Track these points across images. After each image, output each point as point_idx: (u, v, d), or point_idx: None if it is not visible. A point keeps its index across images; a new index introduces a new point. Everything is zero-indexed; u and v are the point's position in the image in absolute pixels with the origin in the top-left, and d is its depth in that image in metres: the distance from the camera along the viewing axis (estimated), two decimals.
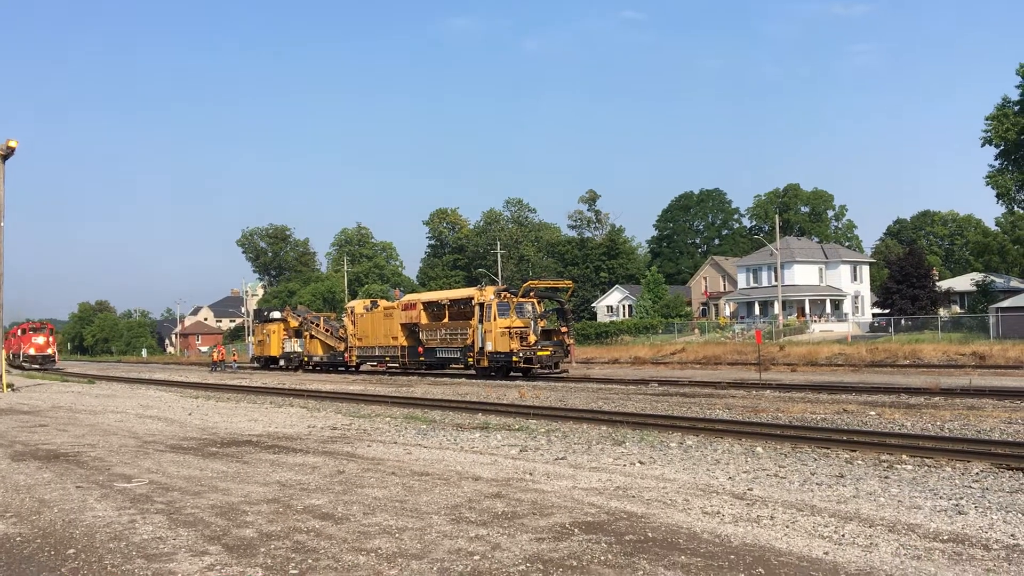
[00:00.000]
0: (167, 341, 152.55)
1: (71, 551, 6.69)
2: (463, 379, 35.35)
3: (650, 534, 6.95)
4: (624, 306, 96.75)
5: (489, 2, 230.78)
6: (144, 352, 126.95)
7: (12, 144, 31.42)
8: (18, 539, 7.15)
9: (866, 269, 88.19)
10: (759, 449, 12.10)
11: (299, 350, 51.06)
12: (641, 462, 10.93)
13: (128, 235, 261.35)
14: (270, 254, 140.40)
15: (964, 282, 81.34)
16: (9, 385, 32.25)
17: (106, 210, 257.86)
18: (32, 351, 64.19)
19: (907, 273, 70.07)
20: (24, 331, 67.17)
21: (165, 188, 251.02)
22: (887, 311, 70.66)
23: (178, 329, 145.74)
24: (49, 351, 65.42)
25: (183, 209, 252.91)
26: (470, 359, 35.99)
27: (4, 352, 63.63)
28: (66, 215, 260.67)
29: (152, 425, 17.17)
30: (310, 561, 6.26)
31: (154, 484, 9.67)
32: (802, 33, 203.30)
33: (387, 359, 43.07)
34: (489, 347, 34.56)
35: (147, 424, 17.43)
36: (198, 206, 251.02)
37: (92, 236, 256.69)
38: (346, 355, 46.43)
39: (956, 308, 77.33)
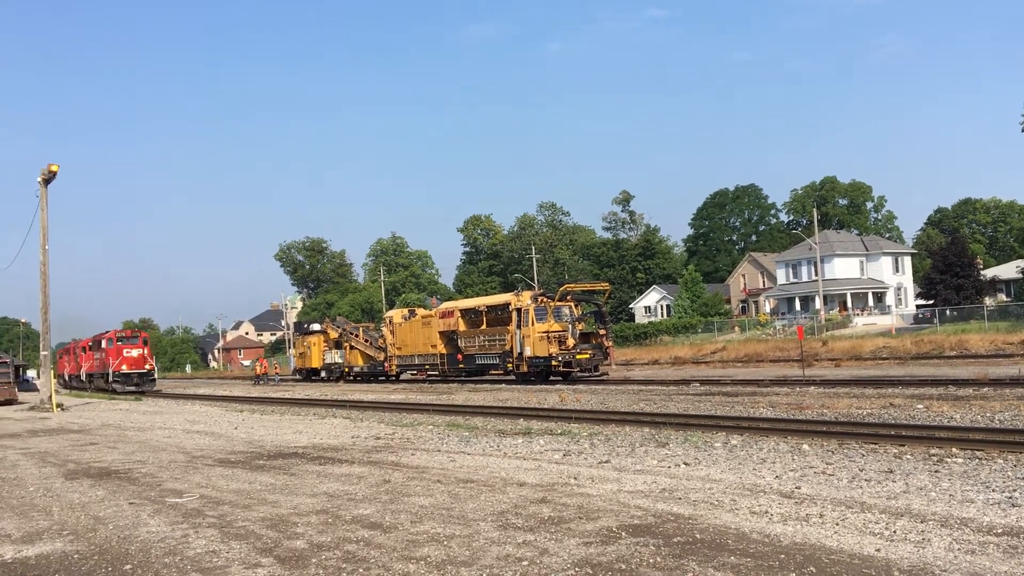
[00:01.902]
0: (210, 356, 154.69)
1: (128, 567, 6.83)
2: (503, 385, 35.39)
3: (698, 535, 6.92)
4: (662, 306, 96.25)
5: (509, 7, 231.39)
6: (188, 368, 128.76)
7: (54, 168, 32.15)
8: (76, 556, 7.31)
9: (908, 260, 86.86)
10: (805, 447, 11.99)
11: (339, 361, 51.50)
12: (686, 463, 10.88)
13: (168, 253, 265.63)
14: (307, 267, 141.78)
15: (1010, 269, 79.78)
16: (59, 405, 32.92)
17: (145, 227, 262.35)
18: (125, 367, 47.70)
19: (950, 263, 68.90)
20: (110, 342, 49.23)
21: (202, 205, 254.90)
22: (931, 302, 69.53)
23: (220, 344, 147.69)
24: (147, 366, 48.98)
25: (221, 225, 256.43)
26: (509, 365, 36.05)
27: (66, 370, 63.44)
28: (107, 233, 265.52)
29: (200, 440, 17.44)
30: (361, 571, 6.33)
31: (205, 498, 9.82)
32: (828, 25, 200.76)
33: (427, 367, 43.29)
34: (528, 352, 34.59)
35: (195, 439, 17.70)
36: (236, 222, 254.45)
37: (133, 254, 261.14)
38: (386, 364, 46.74)
39: (1002, 296, 75.87)
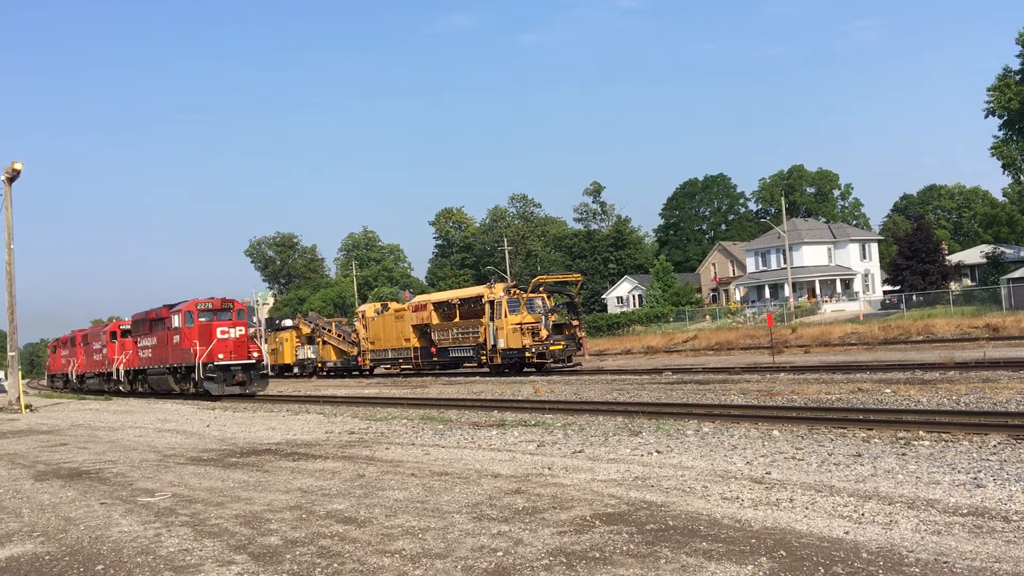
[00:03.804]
0: None
1: (99, 567, 6.77)
2: (477, 377, 35.42)
3: (671, 522, 6.99)
4: (634, 296, 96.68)
5: None
6: None
7: (17, 167, 31.66)
8: (47, 558, 7.24)
9: (875, 247, 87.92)
10: (776, 432, 12.13)
11: (312, 356, 51.24)
12: (658, 451, 10.97)
13: (135, 249, 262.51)
14: (278, 262, 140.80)
15: (974, 255, 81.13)
16: (27, 406, 32.48)
17: (111, 224, 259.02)
18: (222, 356, 31.05)
19: (916, 248, 69.87)
20: (188, 317, 31.91)
21: (170, 201, 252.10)
22: (898, 288, 70.49)
23: None
24: (255, 354, 32.30)
25: (189, 221, 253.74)
26: (483, 357, 36.10)
27: (70, 368, 48.43)
28: (73, 231, 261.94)
29: (171, 439, 17.30)
30: (336, 565, 6.33)
31: (177, 497, 9.76)
32: (800, 11, 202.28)
33: (400, 361, 43.22)
34: (501, 344, 34.65)
35: (166, 438, 17.55)
36: (204, 218, 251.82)
37: (100, 251, 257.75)
38: (359, 359, 46.60)
39: (967, 281, 77.08)
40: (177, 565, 6.65)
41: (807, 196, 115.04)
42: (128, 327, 40.30)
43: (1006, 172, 62.75)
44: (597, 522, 7.15)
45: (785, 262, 78.24)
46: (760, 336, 47.11)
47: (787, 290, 77.07)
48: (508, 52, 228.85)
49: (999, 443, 10.18)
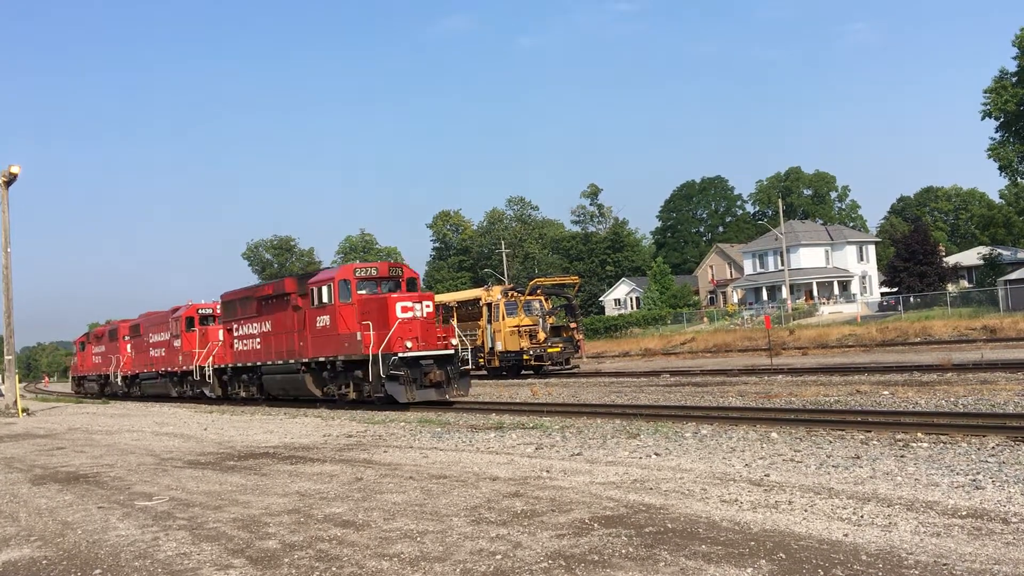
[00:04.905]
0: None
1: (97, 571, 6.75)
2: (474, 379, 35.38)
3: (669, 525, 6.98)
4: (632, 298, 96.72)
5: (479, 1, 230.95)
6: None
7: (15, 170, 31.59)
8: (44, 562, 7.22)
9: (872, 249, 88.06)
10: (774, 435, 12.12)
11: None
12: (657, 454, 10.96)
13: (133, 252, 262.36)
14: (276, 265, 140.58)
15: (971, 256, 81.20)
16: (24, 409, 32.43)
17: (110, 228, 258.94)
18: (411, 346, 20.85)
19: (913, 250, 69.94)
20: (344, 288, 22.35)
21: (169, 204, 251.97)
22: (895, 289, 70.56)
23: None
24: (452, 341, 21.95)
25: (187, 224, 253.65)
26: (480, 359, 36.03)
27: (111, 369, 40.88)
28: (71, 235, 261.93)
29: (169, 442, 17.26)
30: (334, 569, 6.31)
31: (175, 501, 9.73)
32: (796, 14, 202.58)
33: None
34: (499, 347, 34.65)
35: (164, 441, 17.52)
36: (202, 221, 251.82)
37: (98, 255, 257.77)
38: None
39: (964, 283, 77.16)
40: (175, 569, 6.63)
41: (804, 198, 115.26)
42: (209, 311, 32.77)
43: (1003, 174, 62.91)
44: (596, 525, 7.14)
45: (782, 264, 78.29)
46: (758, 338, 47.13)
47: (785, 292, 77.12)
48: (505, 55, 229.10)
49: (998, 445, 10.18)
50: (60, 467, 13.99)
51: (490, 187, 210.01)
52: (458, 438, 14.23)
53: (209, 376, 30.37)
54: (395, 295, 21.64)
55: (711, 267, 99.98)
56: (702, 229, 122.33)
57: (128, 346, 40.04)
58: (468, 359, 22.20)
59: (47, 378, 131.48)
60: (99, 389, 45.57)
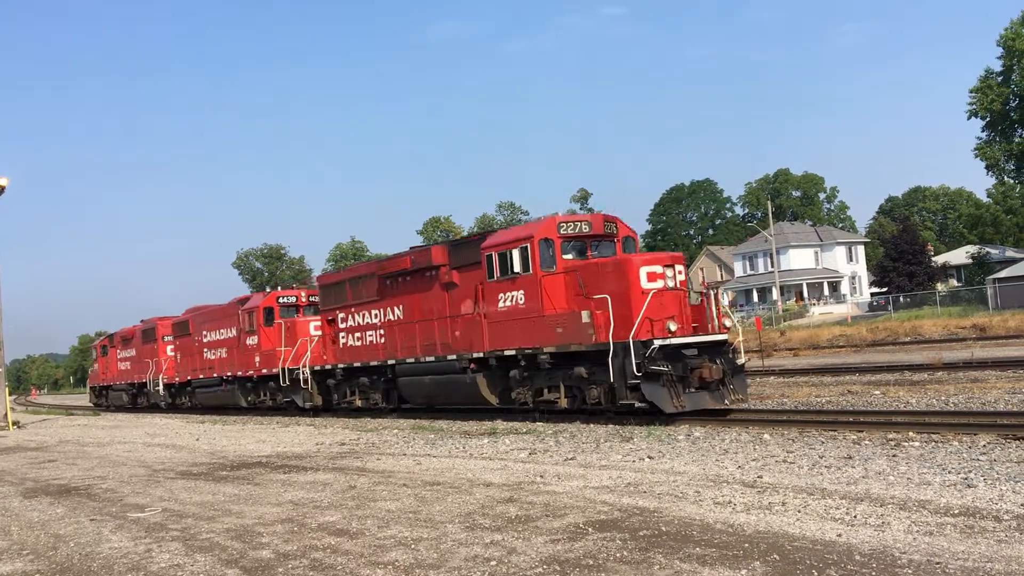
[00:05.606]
0: None
1: None
2: None
3: (664, 528, 6.99)
4: None
5: (468, 6, 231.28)
6: None
7: (2, 182, 31.43)
8: None
9: (861, 249, 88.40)
10: (766, 436, 12.15)
11: None
12: (650, 457, 10.97)
13: (122, 262, 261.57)
14: (266, 274, 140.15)
15: (960, 255, 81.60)
16: (15, 422, 32.24)
17: (99, 239, 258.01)
18: (675, 329, 14.52)
19: (902, 250, 70.27)
20: (549, 249, 16.33)
21: (157, 214, 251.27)
22: (885, 289, 70.84)
23: None
24: (726, 323, 15.99)
25: (177, 234, 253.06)
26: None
27: (154, 374, 34.38)
28: (61, 246, 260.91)
29: (161, 453, 17.19)
30: None
31: (167, 512, 9.69)
32: (785, 16, 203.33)
33: None
34: None
35: (156, 452, 17.44)
36: (191, 230, 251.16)
37: (87, 266, 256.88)
38: None
39: (953, 282, 77.53)
40: None
41: (793, 200, 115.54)
42: (292, 299, 27.26)
43: (990, 173, 63.24)
44: (590, 529, 7.14)
45: (772, 266, 78.49)
46: (749, 340, 47.21)
47: (775, 293, 77.32)
48: (494, 59, 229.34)
49: (989, 443, 10.22)
50: (52, 480, 13.92)
51: (480, 192, 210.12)
52: (451, 444, 14.22)
53: (305, 381, 24.17)
54: (637, 257, 15.85)
55: (701, 269, 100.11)
56: (692, 232, 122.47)
57: (170, 348, 34.20)
58: (741, 349, 16.11)
59: (35, 391, 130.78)
60: (129, 400, 38.72)
